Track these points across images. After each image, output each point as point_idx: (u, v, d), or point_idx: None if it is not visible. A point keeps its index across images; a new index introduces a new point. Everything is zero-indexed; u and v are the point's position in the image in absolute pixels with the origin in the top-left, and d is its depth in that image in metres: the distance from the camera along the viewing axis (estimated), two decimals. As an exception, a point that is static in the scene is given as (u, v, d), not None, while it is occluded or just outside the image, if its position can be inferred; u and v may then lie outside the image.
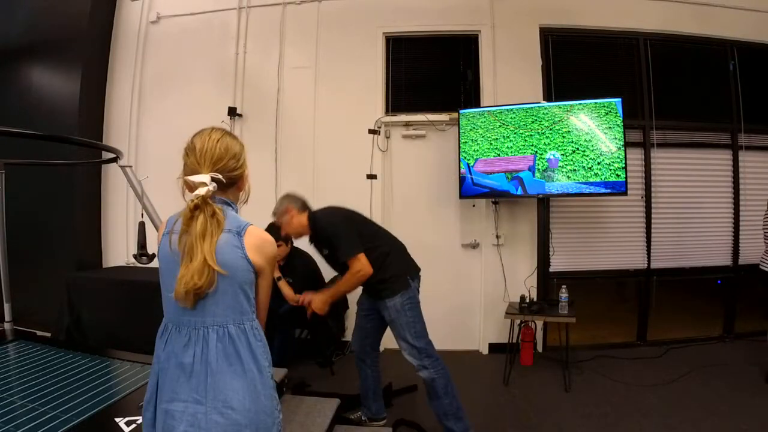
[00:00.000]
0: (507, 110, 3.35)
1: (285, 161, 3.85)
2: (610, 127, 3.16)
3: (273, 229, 3.19)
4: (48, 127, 3.72)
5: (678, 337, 3.72)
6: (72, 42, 3.89)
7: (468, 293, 3.71)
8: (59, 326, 3.38)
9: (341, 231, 2.13)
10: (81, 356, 2.17)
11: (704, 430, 2.36)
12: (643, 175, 3.68)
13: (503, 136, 3.35)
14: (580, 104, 3.21)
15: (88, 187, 4.02)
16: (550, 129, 3.25)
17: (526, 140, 3.30)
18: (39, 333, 3.50)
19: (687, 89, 3.81)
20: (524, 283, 3.52)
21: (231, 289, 1.04)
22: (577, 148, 3.20)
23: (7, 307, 2.60)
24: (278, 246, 3.10)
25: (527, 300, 3.22)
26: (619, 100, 3.15)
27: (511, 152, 3.33)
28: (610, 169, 3.14)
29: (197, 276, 0.98)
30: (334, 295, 2.20)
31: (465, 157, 3.43)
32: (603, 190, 3.17)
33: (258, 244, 1.08)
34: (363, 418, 2.46)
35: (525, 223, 3.62)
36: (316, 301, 2.20)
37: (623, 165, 3.12)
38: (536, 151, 3.27)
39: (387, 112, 3.80)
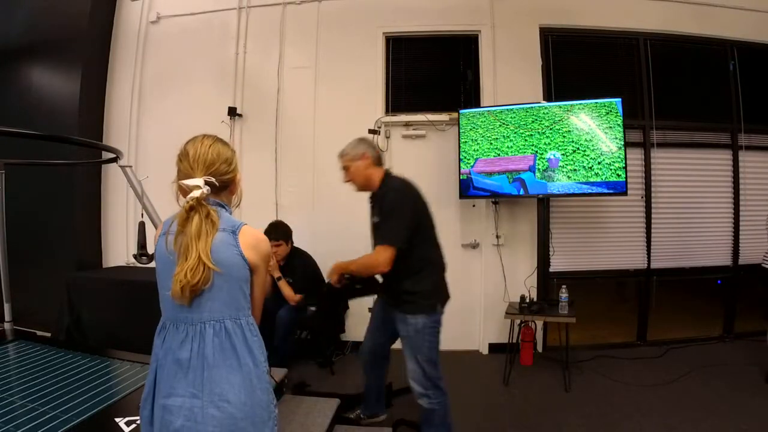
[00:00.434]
0: (507, 110, 3.35)
1: (285, 161, 3.85)
2: (610, 127, 3.16)
3: (273, 228, 3.21)
4: (48, 127, 3.71)
5: (678, 337, 3.72)
6: (72, 42, 3.89)
7: (468, 293, 3.71)
8: (59, 326, 3.37)
9: (397, 214, 1.92)
10: (81, 356, 2.17)
11: (704, 430, 2.36)
12: (643, 175, 3.68)
13: (503, 136, 3.35)
14: (580, 104, 3.21)
15: (88, 187, 4.02)
16: (551, 129, 3.25)
17: (526, 140, 3.30)
18: (39, 333, 3.50)
19: (687, 89, 3.81)
20: (524, 283, 3.52)
21: (227, 286, 1.07)
22: (578, 148, 3.20)
23: (7, 307, 2.60)
24: (278, 245, 3.13)
25: (527, 300, 3.22)
26: (619, 100, 3.15)
27: (512, 152, 3.33)
28: (611, 169, 3.14)
29: (191, 273, 1.01)
30: (344, 268, 2.00)
31: (465, 158, 3.43)
32: (603, 190, 3.17)
33: (253, 243, 1.12)
34: (361, 415, 2.44)
35: (525, 223, 3.62)
36: (329, 271, 2.03)
37: (623, 165, 3.12)
38: (536, 151, 3.27)
39: (387, 112, 3.80)
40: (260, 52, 3.93)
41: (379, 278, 2.07)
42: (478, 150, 3.42)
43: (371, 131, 3.75)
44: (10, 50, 4.08)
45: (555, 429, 2.44)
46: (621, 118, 3.14)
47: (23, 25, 4.06)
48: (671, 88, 3.75)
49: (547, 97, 3.63)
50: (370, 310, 3.77)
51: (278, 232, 3.16)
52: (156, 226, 2.05)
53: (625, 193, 3.17)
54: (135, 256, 2.30)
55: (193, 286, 1.01)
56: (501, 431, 2.45)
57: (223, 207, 1.17)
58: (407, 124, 3.77)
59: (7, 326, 2.58)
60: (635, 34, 3.71)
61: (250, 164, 3.86)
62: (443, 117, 3.69)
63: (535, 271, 3.55)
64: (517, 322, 3.32)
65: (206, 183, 1.10)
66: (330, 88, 3.83)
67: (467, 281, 3.72)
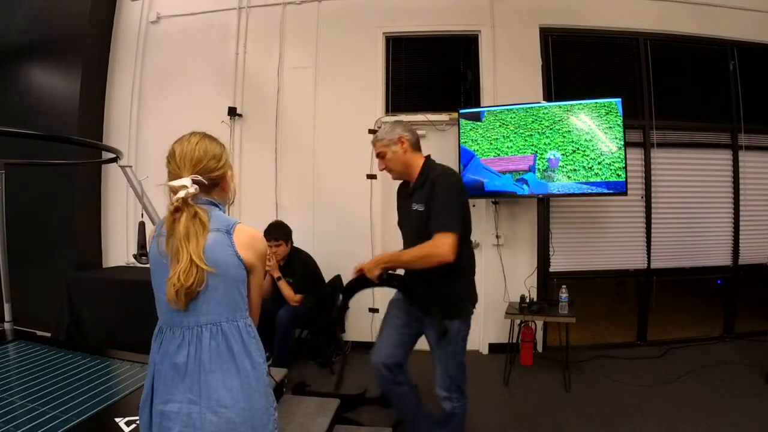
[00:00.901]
0: (507, 110, 3.35)
1: (285, 161, 3.85)
2: (610, 127, 3.16)
3: (273, 228, 3.20)
4: (48, 127, 3.71)
5: (678, 337, 3.72)
6: (72, 42, 3.89)
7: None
8: (59, 326, 3.37)
9: (454, 200, 1.76)
10: (81, 356, 2.17)
11: (704, 430, 2.36)
12: (643, 175, 3.68)
13: (503, 136, 3.35)
14: (580, 104, 3.21)
15: (88, 187, 4.02)
16: (551, 129, 3.25)
17: (526, 140, 3.30)
18: (39, 333, 3.50)
19: (687, 89, 3.81)
20: (524, 283, 3.52)
21: (223, 287, 1.05)
22: (578, 148, 3.20)
23: (7, 307, 2.60)
24: (278, 245, 3.13)
25: (527, 300, 3.22)
26: (619, 100, 3.15)
27: (512, 152, 3.32)
28: (611, 169, 3.14)
29: (185, 276, 0.99)
30: (393, 260, 1.77)
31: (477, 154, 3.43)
32: (603, 190, 3.17)
33: (248, 242, 1.10)
34: None
35: (525, 223, 3.62)
36: (369, 263, 1.77)
37: (623, 165, 3.12)
38: (536, 151, 3.27)
39: (387, 112, 3.80)
40: (260, 52, 3.93)
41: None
42: (478, 150, 3.41)
43: (371, 131, 3.75)
44: (10, 50, 4.08)
45: (555, 429, 2.44)
46: (621, 118, 3.14)
47: (23, 25, 4.06)
48: (671, 88, 3.74)
49: (547, 97, 3.63)
50: (370, 310, 3.77)
51: (278, 232, 3.16)
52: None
53: (625, 193, 3.17)
54: (135, 256, 2.30)
55: (188, 288, 1.00)
56: (501, 431, 2.45)
57: (216, 205, 1.15)
58: (407, 124, 3.76)
59: (7, 326, 2.58)
60: (635, 34, 3.71)
61: (250, 164, 3.86)
62: (443, 117, 3.69)
63: (535, 271, 3.55)
64: (517, 322, 3.32)
65: (194, 182, 1.07)
66: (330, 88, 3.83)
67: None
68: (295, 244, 3.32)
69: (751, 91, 3.78)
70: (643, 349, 3.61)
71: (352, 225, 3.72)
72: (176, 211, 1.03)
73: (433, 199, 1.75)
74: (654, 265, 3.71)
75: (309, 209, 3.81)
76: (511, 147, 3.33)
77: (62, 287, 3.43)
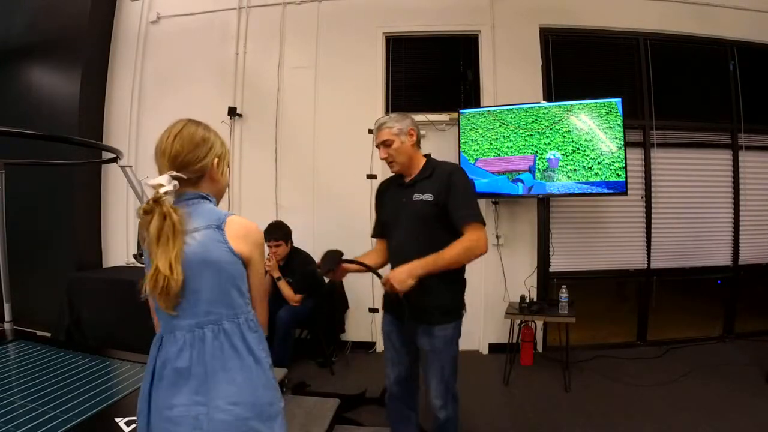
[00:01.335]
0: (507, 110, 3.35)
1: (285, 161, 3.85)
2: (610, 127, 3.16)
3: (273, 228, 3.20)
4: (48, 127, 3.71)
5: (678, 337, 3.72)
6: (72, 42, 3.89)
7: (468, 293, 3.67)
8: (59, 326, 3.37)
9: (474, 194, 1.75)
10: (81, 356, 2.17)
11: (704, 430, 2.36)
12: (643, 175, 3.68)
13: (503, 136, 3.35)
14: (580, 104, 3.21)
15: (88, 187, 4.02)
16: (551, 129, 3.25)
17: (526, 140, 3.30)
18: (39, 333, 3.50)
19: (687, 89, 3.81)
20: (524, 283, 3.52)
21: (220, 285, 1.02)
22: (578, 148, 3.20)
23: (7, 307, 2.60)
24: (278, 245, 3.13)
25: (527, 300, 3.22)
26: (619, 99, 3.15)
27: (512, 152, 3.32)
28: (611, 169, 3.14)
29: (152, 283, 0.97)
30: (431, 266, 1.57)
31: (467, 158, 3.43)
32: (603, 190, 3.17)
33: (241, 233, 1.05)
34: None
35: (525, 223, 3.62)
36: (400, 274, 1.55)
37: (623, 165, 3.12)
38: (536, 151, 3.27)
39: (387, 112, 3.80)
40: (260, 52, 3.93)
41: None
42: (478, 150, 3.42)
43: (371, 131, 3.74)
44: (10, 50, 4.08)
45: (555, 429, 2.44)
46: (621, 118, 3.14)
47: (23, 25, 4.06)
48: (671, 88, 3.75)
49: (547, 97, 3.63)
50: (370, 310, 3.78)
51: (278, 232, 3.16)
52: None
53: (625, 193, 3.17)
54: (135, 256, 2.31)
55: (159, 294, 0.97)
56: (501, 431, 2.45)
57: (206, 198, 1.10)
58: (407, 124, 3.76)
59: (7, 326, 2.58)
60: (635, 34, 3.71)
61: (250, 164, 3.87)
62: (443, 117, 3.69)
63: (535, 271, 3.55)
64: (517, 322, 3.32)
65: (174, 178, 1.02)
66: (330, 88, 3.83)
67: (467, 281, 3.71)
68: (295, 244, 3.32)
69: (751, 91, 3.79)
70: (643, 349, 3.61)
71: (352, 225, 3.71)
72: (145, 213, 0.99)
73: (453, 191, 1.68)
74: (654, 265, 3.71)
75: (309, 209, 3.81)
76: (511, 147, 3.33)
77: (62, 287, 3.43)
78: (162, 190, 0.99)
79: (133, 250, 2.34)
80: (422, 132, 3.75)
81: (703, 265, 3.79)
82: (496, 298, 3.59)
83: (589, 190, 3.18)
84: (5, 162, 2.63)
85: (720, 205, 3.81)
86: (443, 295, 1.72)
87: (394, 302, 1.71)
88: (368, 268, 1.75)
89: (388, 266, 1.83)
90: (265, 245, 1.11)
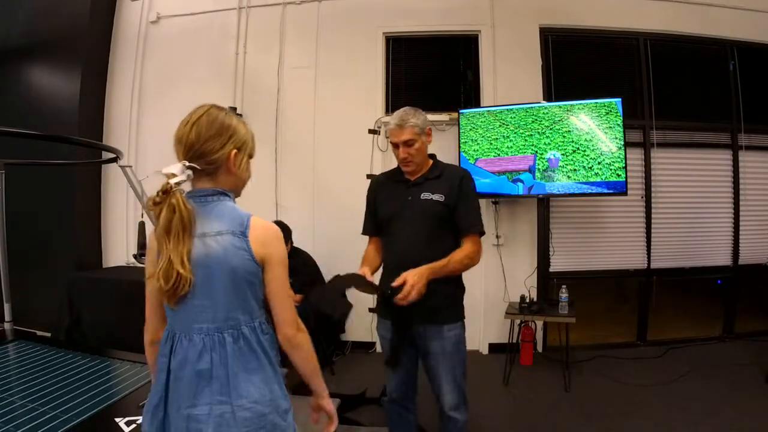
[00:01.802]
0: (507, 110, 3.35)
1: (285, 161, 3.85)
2: (610, 127, 3.16)
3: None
4: (48, 127, 3.72)
5: (678, 337, 3.72)
6: (72, 42, 3.89)
7: (468, 293, 3.66)
8: (59, 326, 3.37)
9: (478, 200, 1.76)
10: (81, 356, 2.17)
11: (704, 430, 2.36)
12: (643, 175, 3.68)
13: (503, 136, 3.35)
14: (580, 104, 3.21)
15: (88, 187, 4.02)
16: (551, 129, 3.25)
17: (526, 140, 3.30)
18: (39, 333, 3.50)
19: (687, 89, 3.81)
20: (524, 283, 3.52)
21: (240, 293, 1.01)
22: (578, 148, 3.20)
23: (7, 307, 2.60)
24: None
25: (527, 300, 3.22)
26: (619, 100, 3.15)
27: (512, 152, 3.33)
28: (611, 169, 3.14)
29: (164, 277, 0.95)
30: (439, 270, 1.59)
31: (467, 158, 3.43)
32: (603, 190, 3.17)
33: (262, 238, 1.02)
34: None
35: (525, 223, 3.62)
36: (417, 286, 1.51)
37: (623, 165, 3.12)
38: (536, 151, 3.27)
39: (387, 112, 3.80)
40: (260, 52, 3.93)
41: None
42: (478, 150, 3.42)
43: (371, 131, 3.75)
44: (10, 50, 4.08)
45: (555, 429, 2.44)
46: (621, 118, 3.14)
47: (23, 25, 4.06)
48: (671, 88, 3.75)
49: (547, 97, 3.63)
50: (370, 310, 3.78)
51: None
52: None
53: (625, 193, 3.18)
54: (135, 256, 2.30)
55: (169, 290, 0.96)
56: (501, 431, 2.45)
57: (225, 195, 1.05)
58: (407, 124, 3.76)
59: (7, 326, 2.58)
60: (635, 34, 3.71)
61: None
62: (443, 117, 3.69)
63: (535, 271, 3.55)
64: (517, 322, 3.32)
65: (188, 167, 0.98)
66: (330, 88, 3.83)
67: (467, 281, 3.69)
68: (295, 244, 3.32)
69: (751, 91, 3.79)
70: (643, 349, 3.61)
71: (352, 225, 3.69)
72: (155, 204, 0.96)
73: (463, 197, 1.69)
74: (654, 265, 3.71)
75: (309, 209, 3.81)
76: (511, 147, 3.33)
77: (62, 287, 3.43)
78: (173, 181, 0.96)
79: (133, 250, 2.34)
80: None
81: (703, 265, 3.79)
82: (496, 298, 3.59)
83: (589, 190, 3.18)
84: (5, 162, 2.62)
85: (720, 205, 3.81)
86: (450, 295, 1.73)
87: (395, 312, 1.62)
88: (375, 290, 1.63)
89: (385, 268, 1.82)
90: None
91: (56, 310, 3.43)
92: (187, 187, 1.03)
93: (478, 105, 3.66)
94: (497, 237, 3.63)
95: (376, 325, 1.88)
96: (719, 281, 3.84)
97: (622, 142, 3.14)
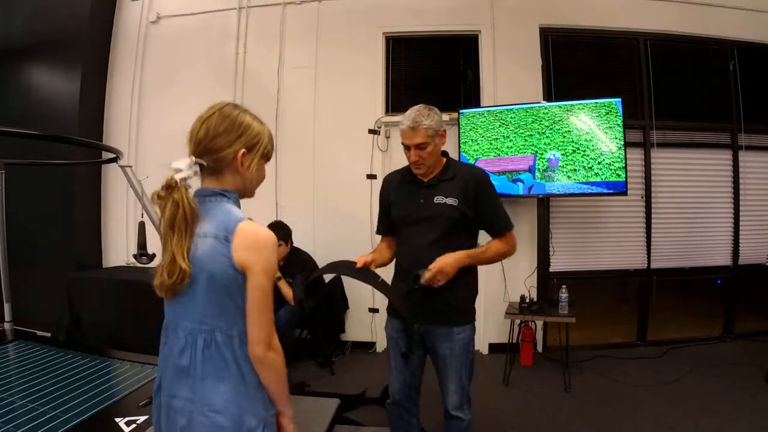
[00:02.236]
0: (507, 110, 3.35)
1: (285, 161, 3.84)
2: (610, 127, 3.16)
3: (273, 228, 3.19)
4: (48, 127, 3.72)
5: (678, 337, 3.72)
6: (72, 42, 3.89)
7: (468, 293, 3.71)
8: (59, 326, 3.38)
9: (499, 197, 1.79)
10: (81, 356, 2.17)
11: (704, 430, 2.36)
12: (643, 175, 3.68)
13: (503, 136, 3.35)
14: (580, 104, 3.21)
15: (88, 187, 4.02)
16: (551, 129, 3.25)
17: (526, 140, 3.30)
18: (39, 333, 3.50)
19: (687, 89, 3.81)
20: (524, 283, 3.52)
21: (216, 298, 0.99)
22: (578, 148, 3.20)
23: (7, 307, 2.60)
24: (278, 246, 3.13)
25: (527, 300, 3.22)
26: (619, 100, 3.15)
27: (512, 152, 3.33)
28: (611, 169, 3.14)
29: (168, 271, 0.96)
30: (472, 259, 1.65)
31: (467, 158, 3.43)
32: (603, 190, 3.17)
33: (245, 243, 0.97)
34: None
35: (525, 223, 3.61)
36: (447, 268, 1.56)
37: (623, 165, 3.12)
38: (536, 151, 3.27)
39: (387, 112, 3.80)
40: (260, 52, 3.93)
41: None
42: (478, 150, 3.42)
43: (371, 131, 3.75)
44: (10, 50, 4.08)
45: (555, 429, 2.44)
46: (621, 118, 3.14)
47: (23, 25, 4.06)
48: (671, 88, 3.74)
49: (547, 97, 3.63)
50: (370, 310, 3.77)
51: (278, 232, 3.15)
52: (156, 226, 2.04)
53: (625, 193, 3.18)
54: (135, 256, 2.30)
55: (170, 285, 0.97)
56: (501, 431, 2.45)
57: (224, 195, 1.03)
58: (407, 124, 3.76)
59: (7, 326, 2.58)
60: (635, 34, 3.71)
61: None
62: (443, 117, 3.68)
63: (535, 271, 3.55)
64: (517, 322, 3.32)
65: (196, 163, 0.98)
66: (330, 88, 3.83)
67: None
68: (295, 244, 3.32)
69: (751, 91, 3.78)
70: (643, 349, 3.61)
71: (352, 225, 3.71)
72: (159, 198, 0.96)
73: (487, 201, 1.69)
74: (654, 265, 3.71)
75: (309, 209, 3.81)
76: (511, 147, 3.33)
77: (62, 287, 3.43)
78: (179, 176, 0.95)
79: (133, 250, 2.34)
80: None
81: (703, 265, 3.79)
82: (496, 298, 3.59)
83: (589, 190, 3.18)
84: (5, 162, 2.63)
85: (720, 205, 3.80)
86: (462, 297, 1.72)
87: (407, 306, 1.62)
88: (372, 279, 1.62)
89: (391, 267, 1.82)
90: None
91: (56, 310, 3.43)
92: (195, 183, 1.03)
93: (478, 105, 3.66)
94: (497, 237, 3.62)
95: (384, 325, 1.86)
96: (719, 281, 3.84)
97: (622, 142, 3.14)
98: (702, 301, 3.91)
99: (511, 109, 3.33)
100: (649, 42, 3.72)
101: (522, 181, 3.29)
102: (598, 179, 3.16)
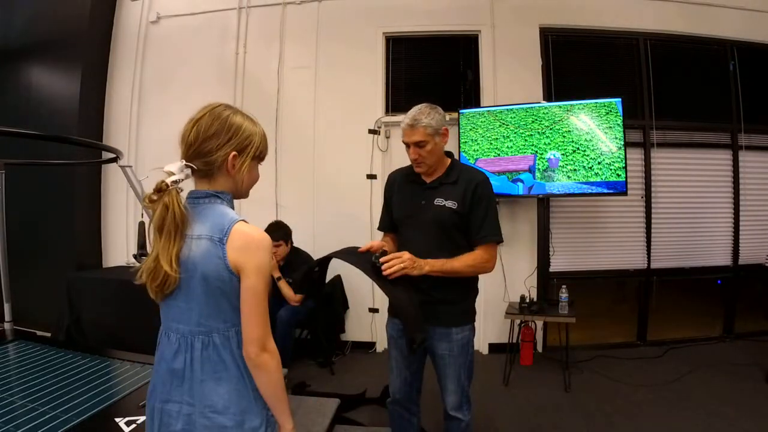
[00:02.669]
0: (507, 110, 3.35)
1: (285, 161, 3.84)
2: (610, 127, 3.16)
3: (273, 228, 3.20)
4: (48, 127, 3.72)
5: (678, 337, 3.72)
6: (72, 42, 3.89)
7: (468, 293, 3.71)
8: (59, 326, 3.37)
9: (495, 207, 1.71)
10: (81, 356, 2.17)
11: (704, 430, 2.36)
12: (643, 175, 3.68)
13: (503, 136, 3.35)
14: (580, 104, 3.21)
15: (88, 187, 4.02)
16: (551, 129, 3.25)
17: (526, 140, 3.30)
18: (39, 333, 3.50)
19: (687, 89, 3.81)
20: (524, 283, 3.52)
21: (213, 300, 0.99)
22: (578, 148, 3.20)
23: (7, 307, 2.60)
24: (278, 245, 3.13)
25: (527, 300, 3.22)
26: (619, 100, 3.15)
27: (512, 152, 3.33)
28: (611, 169, 3.14)
29: (150, 276, 0.97)
30: (441, 267, 1.59)
31: (467, 158, 3.43)
32: (603, 190, 3.17)
33: (238, 244, 0.96)
34: None
35: (525, 223, 3.62)
36: (419, 261, 1.54)
37: (623, 165, 3.12)
38: (536, 151, 3.27)
39: (387, 112, 3.80)
40: (260, 52, 3.93)
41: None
42: (478, 150, 3.42)
43: (371, 131, 3.75)
44: (10, 50, 4.08)
45: (555, 429, 2.44)
46: (621, 118, 3.14)
47: (23, 25, 4.06)
48: (671, 88, 3.74)
49: (547, 97, 3.63)
50: (370, 310, 3.77)
51: (278, 232, 3.16)
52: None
53: (625, 193, 3.18)
54: (135, 256, 2.30)
55: (155, 288, 0.97)
56: (501, 431, 2.44)
57: (217, 197, 1.02)
58: (407, 124, 3.76)
59: (7, 326, 2.58)
60: (635, 34, 3.71)
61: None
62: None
63: (535, 271, 3.55)
64: (517, 322, 3.32)
65: (187, 166, 0.98)
66: (330, 88, 3.83)
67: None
68: (295, 244, 3.32)
69: (751, 91, 3.78)
70: (643, 349, 3.61)
71: (352, 225, 3.72)
72: (150, 202, 0.96)
73: (479, 204, 1.65)
74: (654, 265, 3.71)
75: (309, 209, 3.81)
76: (511, 147, 3.33)
77: (62, 287, 3.42)
78: (170, 179, 0.95)
79: (133, 250, 2.34)
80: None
81: (703, 265, 3.79)
82: (496, 298, 3.59)
83: (589, 190, 3.18)
84: (5, 162, 2.62)
85: (720, 205, 3.81)
86: (461, 297, 1.73)
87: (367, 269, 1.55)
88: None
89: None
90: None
91: (56, 310, 3.42)
92: (189, 185, 1.03)
93: (478, 105, 3.66)
94: (497, 237, 3.62)
95: (385, 324, 1.87)
96: (719, 281, 3.84)
97: (622, 142, 3.14)
98: (702, 301, 3.91)
99: (511, 109, 3.34)
100: (649, 42, 3.72)
101: (522, 181, 3.30)
102: (598, 179, 3.16)
